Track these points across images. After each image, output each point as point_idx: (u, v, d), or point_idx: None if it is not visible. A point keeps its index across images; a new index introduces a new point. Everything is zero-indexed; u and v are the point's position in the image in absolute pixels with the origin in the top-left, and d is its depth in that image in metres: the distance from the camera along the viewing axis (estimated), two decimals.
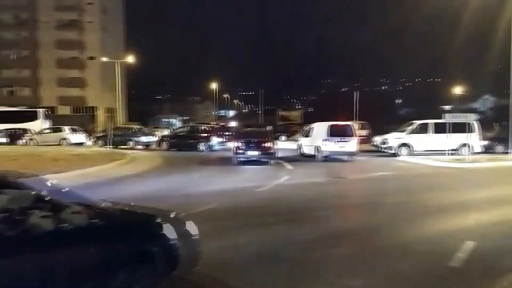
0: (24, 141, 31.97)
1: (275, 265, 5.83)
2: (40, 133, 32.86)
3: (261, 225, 8.11)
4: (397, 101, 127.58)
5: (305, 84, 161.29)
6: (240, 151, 19.01)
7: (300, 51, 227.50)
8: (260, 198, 11.02)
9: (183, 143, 27.00)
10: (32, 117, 38.05)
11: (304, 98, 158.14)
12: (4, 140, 31.98)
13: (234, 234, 7.44)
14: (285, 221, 8.52)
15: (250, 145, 19.02)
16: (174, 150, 26.47)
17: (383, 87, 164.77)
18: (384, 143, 24.10)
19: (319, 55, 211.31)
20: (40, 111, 39.75)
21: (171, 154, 24.63)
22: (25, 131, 34.00)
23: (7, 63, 63.99)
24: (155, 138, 30.27)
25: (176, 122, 71.71)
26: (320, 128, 21.66)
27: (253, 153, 19.00)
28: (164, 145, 27.50)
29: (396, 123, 28.41)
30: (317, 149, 21.00)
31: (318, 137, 21.31)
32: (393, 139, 23.56)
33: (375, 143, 26.42)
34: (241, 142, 19.16)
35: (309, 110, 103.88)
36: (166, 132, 38.93)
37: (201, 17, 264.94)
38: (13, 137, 32.82)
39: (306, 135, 23.77)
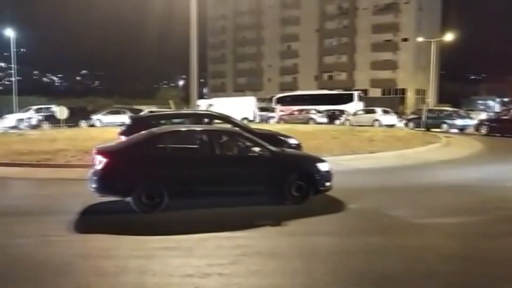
0: (341, 121, 34.83)
1: None
2: (354, 114, 35.07)
3: None
4: None
5: None
6: None
7: None
8: None
9: (507, 127, 23.46)
10: (348, 99, 41.14)
11: None
12: (324, 120, 35.67)
13: None
14: None
15: None
16: (495, 135, 23.35)
17: None
18: None
19: None
20: (355, 93, 42.57)
21: (493, 140, 21.75)
22: (341, 112, 37.08)
23: (329, 50, 71.31)
24: (472, 122, 27.55)
25: (495, 104, 63.63)
26: None
27: None
28: (483, 129, 24.65)
29: None
30: None
31: None
32: None
33: None
34: None
35: None
36: (482, 115, 35.07)
37: None
38: (332, 117, 36.30)
39: None
